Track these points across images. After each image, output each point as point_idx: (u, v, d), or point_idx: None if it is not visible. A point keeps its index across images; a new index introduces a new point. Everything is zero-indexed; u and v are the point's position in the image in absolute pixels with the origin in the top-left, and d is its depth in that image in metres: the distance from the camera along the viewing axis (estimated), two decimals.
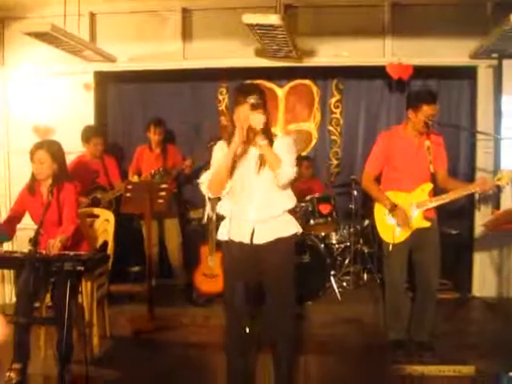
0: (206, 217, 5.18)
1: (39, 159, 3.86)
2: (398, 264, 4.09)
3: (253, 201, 3.16)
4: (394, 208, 3.99)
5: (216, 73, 6.06)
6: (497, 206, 5.37)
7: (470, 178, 5.66)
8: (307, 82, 6.44)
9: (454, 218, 5.61)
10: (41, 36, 4.78)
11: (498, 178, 3.95)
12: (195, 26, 5.85)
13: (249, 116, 3.02)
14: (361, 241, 6.04)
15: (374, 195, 4.17)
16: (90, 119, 5.88)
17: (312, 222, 5.70)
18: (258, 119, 2.99)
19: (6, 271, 5.60)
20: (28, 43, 5.29)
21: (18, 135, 5.86)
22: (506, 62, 5.37)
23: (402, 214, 3.98)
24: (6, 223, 3.92)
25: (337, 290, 5.53)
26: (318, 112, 6.43)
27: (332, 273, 5.68)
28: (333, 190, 6.17)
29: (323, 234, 5.94)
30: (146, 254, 5.12)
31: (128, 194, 4.96)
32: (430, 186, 4.03)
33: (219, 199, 3.33)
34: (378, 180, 4.22)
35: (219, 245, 5.33)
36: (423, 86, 5.76)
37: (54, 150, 3.92)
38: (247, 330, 3.20)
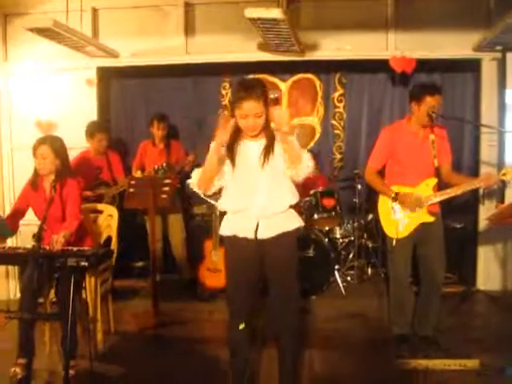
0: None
1: (42, 154, 3.86)
2: (402, 258, 4.09)
3: (257, 196, 3.14)
4: (396, 196, 3.98)
5: (219, 67, 6.04)
6: (501, 200, 5.35)
7: (474, 171, 5.65)
8: (310, 76, 6.42)
9: (458, 211, 5.60)
10: (43, 32, 4.78)
11: (503, 174, 3.93)
12: (198, 20, 5.83)
13: (244, 115, 3.02)
14: (365, 235, 6.03)
15: (377, 188, 4.16)
16: (92, 115, 5.88)
17: (316, 216, 5.68)
18: (282, 114, 3.00)
19: (10, 267, 5.63)
20: (30, 39, 5.29)
21: (21, 131, 5.86)
22: (509, 55, 5.34)
23: (407, 198, 3.96)
24: (9, 218, 3.92)
25: (341, 285, 5.53)
26: (321, 106, 6.41)
27: (336, 267, 5.67)
28: (336, 184, 6.16)
29: (327, 228, 5.93)
30: (149, 250, 5.12)
31: (131, 190, 4.97)
32: (434, 181, 4.02)
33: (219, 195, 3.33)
34: (381, 174, 4.21)
35: (223, 240, 5.39)
36: (427, 80, 5.74)
37: (57, 146, 3.92)
38: (241, 327, 3.18)
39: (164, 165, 5.46)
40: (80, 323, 4.05)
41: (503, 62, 5.38)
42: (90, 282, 4.07)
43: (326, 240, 5.65)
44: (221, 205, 3.28)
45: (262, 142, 3.15)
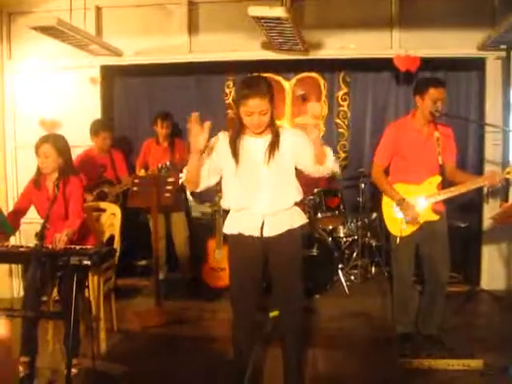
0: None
1: (44, 153, 3.85)
2: (405, 257, 4.08)
3: (262, 193, 3.13)
4: (402, 202, 3.97)
5: (222, 66, 6.04)
6: (505, 198, 5.34)
7: (479, 170, 5.64)
8: (314, 74, 6.40)
9: (462, 210, 5.59)
10: (47, 30, 4.78)
11: (508, 172, 3.92)
12: (201, 19, 5.82)
13: (249, 113, 3.01)
14: (368, 234, 6.02)
15: (382, 188, 4.14)
16: (96, 113, 5.88)
17: (319, 215, 5.68)
18: (316, 108, 3.01)
19: (13, 266, 5.63)
20: (34, 37, 5.29)
21: (25, 129, 5.87)
22: None
23: (410, 209, 3.95)
24: (10, 216, 3.92)
25: (344, 284, 5.52)
26: (325, 105, 6.40)
27: (340, 266, 5.66)
28: (340, 183, 6.15)
29: (331, 227, 5.93)
30: (152, 248, 5.12)
31: (135, 188, 4.97)
32: (438, 179, 4.00)
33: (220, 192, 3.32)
34: (386, 172, 4.20)
35: (226, 238, 5.39)
36: None
37: (60, 144, 3.92)
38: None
39: (167, 163, 5.46)
40: (83, 322, 4.06)
41: (508, 61, 5.36)
42: (92, 280, 4.07)
43: (330, 239, 5.64)
44: (224, 202, 3.26)
45: (266, 139, 3.14)
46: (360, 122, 6.36)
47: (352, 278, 5.89)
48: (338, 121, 6.39)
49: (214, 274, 5.46)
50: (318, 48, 5.66)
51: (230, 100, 6.50)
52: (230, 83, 6.49)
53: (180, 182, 3.23)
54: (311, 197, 5.61)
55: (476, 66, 5.74)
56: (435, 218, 4.00)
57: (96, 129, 5.62)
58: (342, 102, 6.36)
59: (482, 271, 5.67)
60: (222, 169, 3.18)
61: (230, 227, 3.26)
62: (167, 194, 4.90)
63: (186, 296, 5.56)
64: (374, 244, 5.99)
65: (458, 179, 4.05)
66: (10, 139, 5.95)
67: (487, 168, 5.49)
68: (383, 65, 5.79)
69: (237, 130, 3.16)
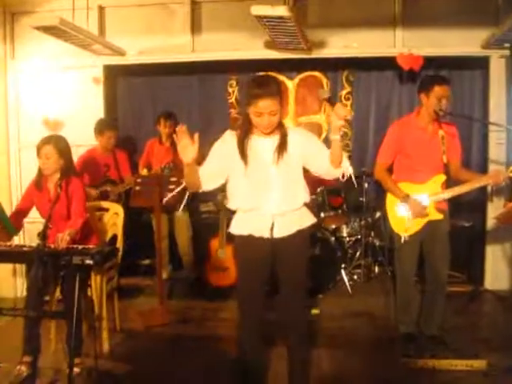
0: None
1: (46, 154, 3.85)
2: (409, 256, 4.07)
3: (271, 194, 3.09)
4: (406, 198, 3.96)
5: (225, 65, 6.03)
6: (510, 198, 5.31)
7: (483, 169, 5.61)
8: (317, 73, 6.39)
9: (466, 210, 5.57)
10: (49, 30, 4.78)
11: None
12: (204, 18, 5.81)
13: (258, 113, 2.98)
14: (372, 233, 6.00)
15: (386, 186, 4.12)
16: (99, 113, 5.87)
17: (323, 214, 5.67)
18: (343, 110, 2.97)
19: (17, 265, 5.63)
20: (37, 37, 5.29)
21: (29, 129, 5.87)
22: None
23: (416, 204, 3.94)
24: (12, 217, 3.92)
25: (347, 283, 5.50)
26: (328, 104, 6.38)
27: (343, 266, 5.65)
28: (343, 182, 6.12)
29: (334, 226, 5.91)
30: (155, 248, 5.12)
31: (137, 188, 4.97)
32: (442, 178, 3.99)
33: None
34: (390, 171, 4.19)
35: (229, 238, 5.38)
36: None
37: (61, 146, 3.92)
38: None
39: (170, 164, 5.47)
40: (85, 321, 4.06)
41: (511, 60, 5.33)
42: (95, 280, 4.07)
43: (333, 238, 5.62)
44: (232, 203, 3.21)
45: (275, 139, 3.11)
46: (363, 121, 6.34)
47: (355, 277, 5.88)
48: None
49: (217, 274, 5.45)
50: (320, 47, 5.64)
51: (233, 99, 6.49)
52: (233, 82, 6.48)
53: (182, 185, 3.21)
54: (313, 196, 5.59)
55: (480, 64, 5.72)
56: (439, 217, 3.99)
57: (101, 128, 5.62)
58: (345, 101, 6.34)
59: (486, 271, 5.64)
60: (228, 169, 3.14)
61: (238, 228, 3.21)
62: (167, 197, 4.89)
63: (189, 295, 5.56)
64: (377, 243, 5.96)
65: (463, 178, 4.04)
66: (14, 139, 5.94)
67: (491, 167, 5.47)
68: (386, 64, 5.77)
69: (245, 130, 3.11)
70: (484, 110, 5.81)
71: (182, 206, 4.38)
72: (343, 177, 3.15)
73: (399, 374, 3.71)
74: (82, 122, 5.75)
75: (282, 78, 6.36)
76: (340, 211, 5.72)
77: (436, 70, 5.84)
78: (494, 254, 5.60)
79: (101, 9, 5.83)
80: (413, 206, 3.93)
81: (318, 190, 5.66)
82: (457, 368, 3.71)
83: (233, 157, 3.10)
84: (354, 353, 4.10)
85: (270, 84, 2.98)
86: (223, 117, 6.44)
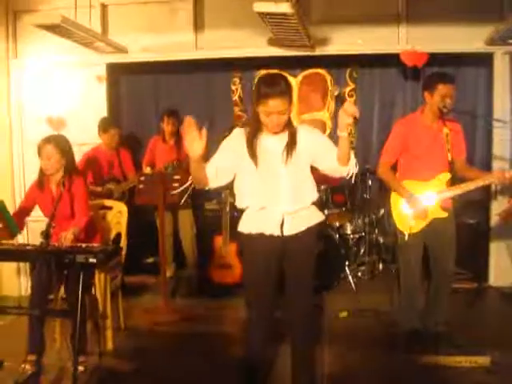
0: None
1: (47, 154, 3.85)
2: (413, 254, 4.06)
3: (281, 192, 3.09)
4: (410, 197, 3.95)
5: (228, 63, 6.02)
6: None
7: (487, 165, 5.60)
8: (321, 70, 6.37)
9: (471, 207, 5.55)
10: (52, 28, 4.77)
11: None
12: (207, 15, 5.79)
13: (268, 113, 2.97)
14: (376, 231, 5.99)
15: (390, 184, 4.12)
16: (102, 111, 5.87)
17: (326, 212, 5.66)
18: (352, 107, 2.97)
19: (21, 264, 5.65)
20: (40, 36, 5.29)
21: (32, 127, 5.86)
22: None
23: (419, 205, 3.93)
24: (15, 216, 3.91)
25: (352, 281, 5.50)
26: (331, 101, 6.37)
27: (346, 263, 5.64)
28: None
29: (338, 224, 5.90)
30: (159, 246, 5.12)
31: (141, 186, 4.98)
32: (447, 176, 3.98)
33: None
34: (394, 169, 4.18)
35: (233, 235, 5.38)
36: None
37: (62, 145, 3.92)
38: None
39: (174, 163, 5.47)
40: (90, 319, 4.06)
41: None
42: (99, 278, 4.07)
43: (337, 236, 5.62)
44: (241, 202, 3.19)
45: (283, 137, 3.10)
46: (367, 118, 6.32)
47: (359, 274, 5.87)
48: None
49: (221, 272, 5.45)
50: (324, 44, 5.63)
51: (236, 97, 6.49)
52: (237, 80, 6.48)
53: (189, 182, 3.18)
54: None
55: (484, 61, 5.69)
56: (444, 215, 3.98)
57: (105, 126, 5.63)
58: (348, 98, 6.33)
59: (490, 268, 5.63)
60: (236, 167, 3.13)
61: (248, 226, 3.19)
62: (173, 192, 4.89)
63: (193, 293, 5.57)
64: (381, 241, 5.96)
65: (468, 175, 4.02)
66: (17, 137, 5.94)
67: (495, 164, 5.46)
68: (390, 61, 5.76)
69: (254, 129, 3.10)
70: (488, 106, 5.78)
71: (183, 199, 4.40)
72: (348, 175, 3.14)
73: (403, 370, 3.71)
74: (85, 121, 5.76)
75: (285, 75, 6.34)
76: (344, 209, 5.71)
77: (440, 66, 5.82)
78: (498, 251, 5.58)
79: (103, 6, 5.82)
80: (414, 207, 3.93)
81: (322, 187, 5.64)
82: (460, 364, 3.71)
83: (242, 155, 3.09)
84: (358, 349, 4.10)
85: (279, 83, 2.97)
86: (227, 114, 6.43)
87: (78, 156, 5.35)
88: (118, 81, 6.48)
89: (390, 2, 5.54)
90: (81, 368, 3.62)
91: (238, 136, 3.15)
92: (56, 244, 3.54)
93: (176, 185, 4.92)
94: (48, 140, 3.90)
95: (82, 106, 5.88)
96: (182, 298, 5.43)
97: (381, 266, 6.02)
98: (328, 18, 5.59)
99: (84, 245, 3.59)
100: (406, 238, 3.96)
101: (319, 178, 3.29)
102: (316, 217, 3.26)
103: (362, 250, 5.98)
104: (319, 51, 5.68)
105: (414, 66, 5.56)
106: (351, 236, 6.02)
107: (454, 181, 4.00)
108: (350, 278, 5.53)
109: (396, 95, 6.26)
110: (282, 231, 3.12)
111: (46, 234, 3.39)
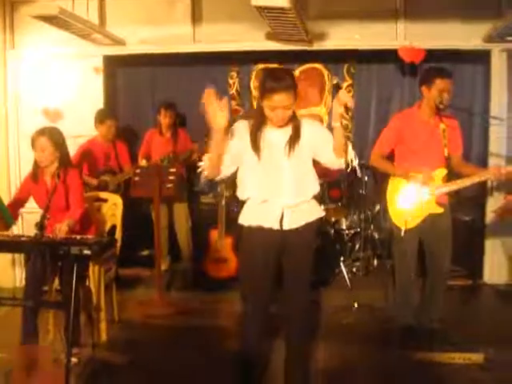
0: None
1: (41, 147, 3.86)
2: (409, 249, 4.07)
3: (283, 186, 3.10)
4: (406, 175, 3.95)
5: (226, 56, 6.00)
6: (510, 191, 5.31)
7: (483, 162, 5.60)
8: (318, 65, 6.36)
9: (466, 204, 5.55)
10: (49, 19, 4.75)
11: None
12: (205, 8, 5.77)
13: (273, 107, 2.98)
14: (371, 226, 5.99)
15: (383, 168, 4.12)
16: (99, 103, 5.85)
17: (322, 207, 5.62)
18: (345, 96, 2.95)
19: (16, 255, 5.63)
20: (37, 27, 5.28)
21: (28, 119, 5.84)
22: None
23: (419, 176, 3.92)
24: (9, 207, 3.91)
25: (346, 276, 5.49)
26: (329, 96, 6.36)
27: (341, 259, 5.64)
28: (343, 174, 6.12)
29: (333, 219, 5.90)
30: (154, 239, 5.12)
31: (136, 178, 4.97)
32: (443, 172, 3.98)
33: (235, 183, 3.28)
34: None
35: (229, 229, 5.38)
36: None
37: (56, 138, 3.92)
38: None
39: (170, 155, 5.46)
40: (84, 311, 4.06)
41: None
42: (93, 270, 4.07)
43: (332, 231, 5.61)
44: (243, 193, 3.20)
45: (287, 131, 3.11)
46: (364, 113, 6.32)
47: (354, 270, 5.87)
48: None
49: (216, 265, 5.45)
50: (322, 39, 5.61)
51: (233, 91, 6.47)
52: (234, 74, 6.46)
53: (199, 170, 3.13)
54: None
55: (481, 58, 5.68)
56: (439, 210, 3.99)
57: (102, 117, 5.62)
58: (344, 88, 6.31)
59: (485, 265, 5.64)
60: (240, 159, 3.12)
61: (248, 219, 3.19)
62: (169, 185, 4.89)
63: (187, 287, 5.56)
64: (376, 236, 5.96)
65: (464, 171, 4.03)
66: (13, 129, 5.91)
67: (491, 161, 5.46)
68: (388, 56, 5.75)
69: (259, 122, 3.10)
70: (485, 103, 5.78)
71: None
72: (348, 167, 3.14)
73: (397, 366, 3.72)
74: (81, 113, 5.73)
75: (290, 70, 6.33)
76: (339, 204, 5.71)
77: (437, 63, 5.78)
78: (493, 248, 5.59)
79: None
80: (419, 177, 3.91)
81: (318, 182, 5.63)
82: (454, 361, 3.72)
83: (245, 147, 3.09)
84: (353, 345, 4.11)
85: (285, 78, 2.98)
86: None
87: (74, 148, 5.36)
88: (115, 73, 6.45)
89: None
90: (74, 360, 3.62)
91: (241, 128, 3.14)
92: (50, 235, 3.53)
93: (172, 177, 4.92)
94: (42, 132, 3.89)
95: (78, 98, 5.85)
96: (177, 291, 5.43)
97: (376, 261, 6.01)
98: (326, 13, 5.57)
99: (78, 236, 3.58)
100: (403, 233, 3.96)
101: (319, 172, 3.29)
102: (316, 212, 3.27)
103: (357, 246, 5.98)
104: (317, 46, 5.66)
105: (411, 62, 5.55)
106: (346, 231, 6.01)
107: (451, 177, 4.00)
108: (344, 273, 5.53)
109: (393, 91, 6.25)
110: (281, 225, 3.12)
111: (41, 226, 3.39)
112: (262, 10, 4.50)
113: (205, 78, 6.43)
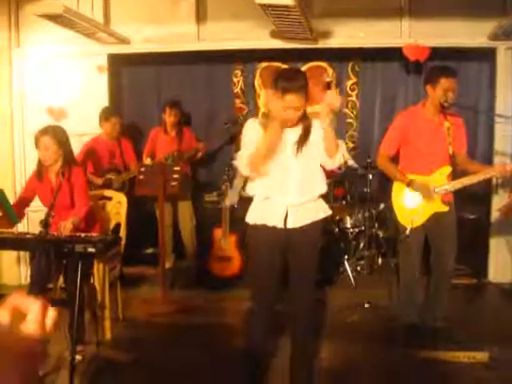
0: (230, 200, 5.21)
1: (44, 145, 3.86)
2: (414, 248, 4.07)
3: (290, 185, 3.12)
4: (412, 183, 3.94)
5: (231, 55, 6.00)
6: None
7: (488, 160, 5.58)
8: (323, 64, 6.36)
9: (471, 202, 5.54)
10: (54, 18, 4.76)
11: None
12: (209, 7, 5.77)
13: (285, 108, 2.99)
14: (376, 225, 5.98)
15: (390, 173, 4.12)
16: (104, 102, 5.85)
17: (327, 205, 5.64)
18: (332, 97, 2.99)
19: (21, 252, 5.65)
20: (42, 25, 5.27)
21: (33, 117, 5.85)
22: None
23: (422, 187, 3.92)
24: (15, 206, 3.92)
25: (351, 275, 5.49)
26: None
27: (346, 257, 5.64)
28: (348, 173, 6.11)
29: (337, 217, 5.89)
30: (159, 237, 5.12)
31: (141, 177, 4.98)
32: (448, 170, 3.98)
33: (245, 181, 3.30)
34: (395, 163, 4.17)
35: (233, 228, 5.38)
36: None
37: (59, 136, 3.92)
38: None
39: (175, 154, 5.47)
40: (88, 309, 4.07)
41: None
42: (98, 268, 4.08)
43: (337, 230, 5.61)
44: (251, 189, 3.24)
45: (297, 130, 3.14)
46: (369, 111, 6.32)
47: (358, 268, 5.86)
48: (346, 111, 6.35)
49: (220, 264, 5.45)
50: (326, 37, 5.60)
51: (238, 89, 6.47)
52: (238, 72, 6.46)
53: (238, 164, 3.18)
54: None
55: (486, 55, 5.67)
56: (444, 208, 3.98)
57: (107, 114, 5.62)
58: (350, 92, 6.32)
59: (490, 263, 5.63)
60: None
61: (253, 217, 3.22)
62: (173, 183, 4.90)
63: (192, 285, 5.56)
64: (381, 235, 5.95)
65: (469, 169, 4.03)
66: (18, 127, 5.92)
67: (497, 159, 5.45)
68: (392, 54, 5.74)
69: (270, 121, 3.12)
70: (490, 101, 5.77)
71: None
72: (340, 168, 3.17)
73: (402, 365, 3.72)
74: (86, 111, 5.74)
75: (303, 71, 6.32)
76: (344, 202, 5.70)
77: (442, 61, 5.79)
78: (497, 247, 5.58)
79: None
80: (421, 190, 3.92)
81: None
82: (459, 360, 3.72)
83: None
84: (357, 343, 4.10)
85: (298, 79, 3.03)
86: (228, 107, 6.42)
87: (79, 146, 5.36)
88: (120, 72, 6.45)
89: None
90: (78, 357, 3.63)
91: (253, 126, 3.18)
92: (55, 233, 3.54)
93: (176, 176, 4.93)
94: (45, 131, 3.90)
95: (83, 97, 5.86)
96: (181, 290, 5.43)
97: (380, 260, 6.00)
98: (330, 11, 5.56)
99: (83, 234, 3.59)
100: (408, 232, 3.96)
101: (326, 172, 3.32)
102: (322, 211, 3.28)
103: (362, 244, 5.97)
104: (321, 44, 5.65)
105: (416, 61, 5.54)
106: (351, 230, 6.00)
107: (456, 175, 3.99)
108: (349, 272, 5.52)
109: (398, 89, 6.25)
110: (285, 224, 3.13)
111: (45, 223, 3.40)
112: (266, 7, 4.50)
113: (209, 76, 6.45)
